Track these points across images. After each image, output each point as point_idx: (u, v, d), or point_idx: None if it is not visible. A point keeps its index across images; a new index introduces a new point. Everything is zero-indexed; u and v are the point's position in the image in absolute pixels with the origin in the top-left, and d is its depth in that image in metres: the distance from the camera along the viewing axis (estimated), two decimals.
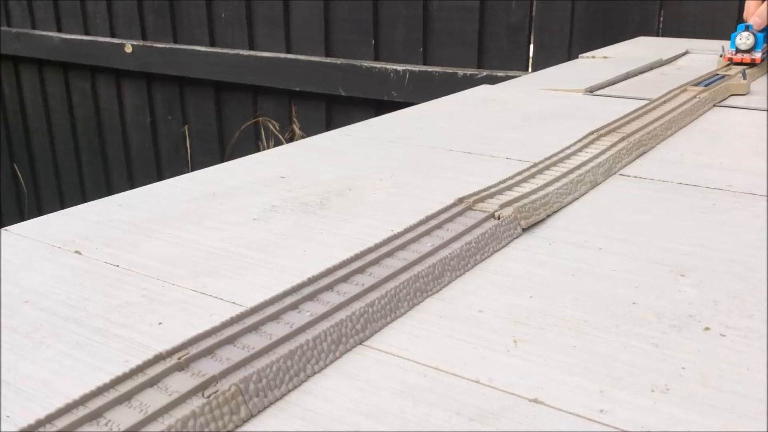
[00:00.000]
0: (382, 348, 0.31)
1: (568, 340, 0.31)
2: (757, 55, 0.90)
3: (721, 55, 0.97)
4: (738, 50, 0.90)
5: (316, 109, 1.87)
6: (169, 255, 0.41)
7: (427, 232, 0.40)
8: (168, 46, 2.07)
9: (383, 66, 1.68)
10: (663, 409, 0.27)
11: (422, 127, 0.70)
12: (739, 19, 1.45)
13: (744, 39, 0.90)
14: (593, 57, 1.13)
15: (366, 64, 1.71)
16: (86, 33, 2.30)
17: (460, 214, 0.43)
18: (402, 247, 0.38)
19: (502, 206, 0.43)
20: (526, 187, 0.48)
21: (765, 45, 0.96)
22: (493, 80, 1.45)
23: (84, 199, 1.87)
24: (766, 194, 0.49)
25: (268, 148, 1.52)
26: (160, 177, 2.22)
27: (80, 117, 2.46)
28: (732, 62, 0.90)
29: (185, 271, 0.39)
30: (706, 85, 0.80)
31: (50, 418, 0.24)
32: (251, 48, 1.93)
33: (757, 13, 0.91)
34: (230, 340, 0.29)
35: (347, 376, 0.29)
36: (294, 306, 0.32)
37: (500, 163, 0.57)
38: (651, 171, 0.55)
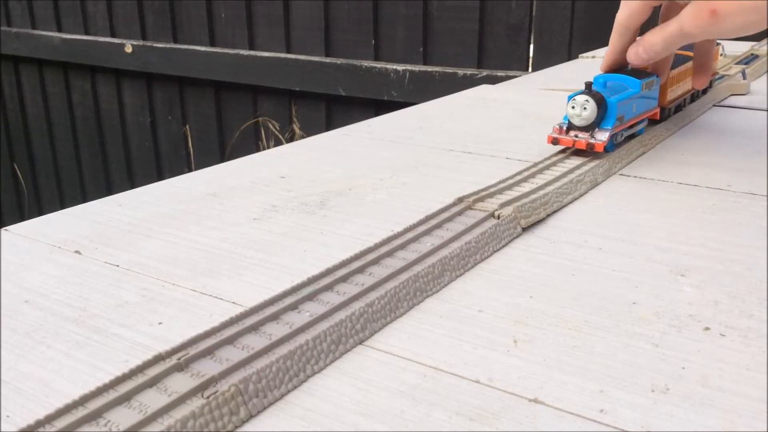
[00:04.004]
0: (382, 348, 0.31)
1: (568, 340, 0.31)
2: (602, 138, 0.53)
3: (721, 54, 0.96)
4: (570, 126, 0.54)
5: (316, 109, 1.87)
6: (169, 255, 0.41)
7: (427, 232, 0.40)
8: (168, 46, 2.07)
9: (383, 66, 1.68)
10: (663, 409, 0.27)
11: (422, 127, 0.70)
12: None
13: (578, 107, 0.53)
14: (593, 57, 1.13)
15: (366, 64, 1.71)
16: (86, 33, 2.30)
17: (459, 213, 0.43)
18: (402, 246, 0.38)
19: (502, 206, 0.43)
20: (526, 187, 0.48)
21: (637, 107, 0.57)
22: (493, 80, 1.45)
23: (84, 199, 1.87)
24: (766, 194, 0.49)
25: (268, 148, 1.52)
26: (160, 177, 2.22)
27: (80, 117, 2.46)
28: (556, 143, 0.54)
29: (185, 271, 0.39)
30: None
31: (50, 419, 0.24)
32: (251, 48, 1.93)
33: (645, 42, 0.55)
34: (230, 340, 0.29)
35: (347, 376, 0.29)
36: (294, 306, 0.32)
37: (500, 163, 0.57)
38: (651, 171, 0.55)
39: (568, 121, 0.54)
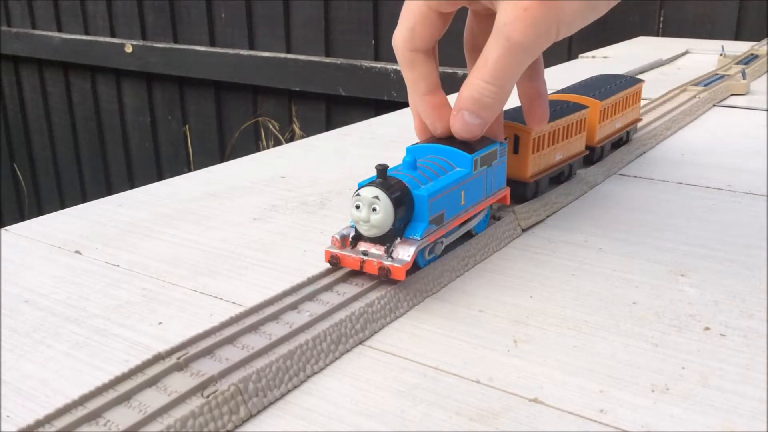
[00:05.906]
0: (382, 348, 0.31)
1: (568, 340, 0.31)
2: (405, 256, 0.33)
3: (721, 54, 0.96)
4: (358, 235, 0.34)
5: (316, 109, 1.87)
6: (169, 255, 0.41)
7: None
8: (168, 46, 2.07)
9: (383, 66, 1.68)
10: (663, 409, 0.27)
11: None
12: (741, 21, 1.43)
13: (365, 208, 0.33)
14: (593, 57, 1.13)
15: (366, 64, 1.71)
16: (86, 33, 2.30)
17: None
18: None
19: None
20: None
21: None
22: None
23: (84, 199, 1.87)
24: (766, 194, 0.49)
25: (268, 148, 1.52)
26: (160, 177, 2.22)
27: (80, 117, 2.46)
28: (336, 263, 0.34)
29: (185, 271, 0.39)
30: (706, 85, 0.80)
31: (49, 418, 0.24)
32: (251, 48, 1.93)
33: (465, 99, 0.36)
34: (229, 340, 0.29)
35: (347, 376, 0.29)
36: (293, 306, 0.32)
37: None
38: (651, 171, 0.54)
39: (356, 228, 0.34)
